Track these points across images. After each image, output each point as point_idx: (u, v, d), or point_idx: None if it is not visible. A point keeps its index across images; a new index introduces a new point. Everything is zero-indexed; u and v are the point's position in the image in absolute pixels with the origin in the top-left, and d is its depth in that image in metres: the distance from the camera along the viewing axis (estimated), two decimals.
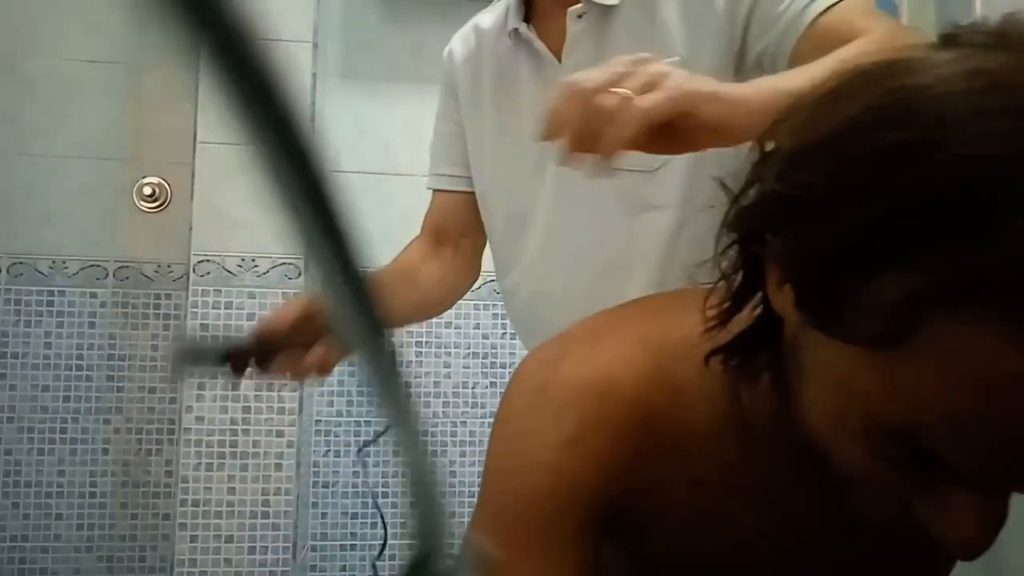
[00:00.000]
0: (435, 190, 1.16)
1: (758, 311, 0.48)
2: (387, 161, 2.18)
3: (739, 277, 0.47)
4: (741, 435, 0.53)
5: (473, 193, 1.06)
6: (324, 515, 2.08)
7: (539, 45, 0.93)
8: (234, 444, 1.73)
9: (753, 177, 0.43)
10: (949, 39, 0.39)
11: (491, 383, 2.15)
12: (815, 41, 0.74)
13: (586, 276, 0.91)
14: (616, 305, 0.61)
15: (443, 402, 2.14)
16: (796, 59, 0.76)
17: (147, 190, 2.05)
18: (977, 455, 0.36)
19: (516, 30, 0.94)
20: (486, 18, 1.03)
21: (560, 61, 0.91)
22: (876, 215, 0.35)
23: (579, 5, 0.89)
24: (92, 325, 2.03)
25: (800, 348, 0.43)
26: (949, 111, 0.34)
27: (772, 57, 0.80)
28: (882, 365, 0.37)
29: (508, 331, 2.18)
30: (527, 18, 0.95)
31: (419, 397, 2.14)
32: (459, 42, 1.07)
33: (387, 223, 2.18)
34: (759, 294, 0.47)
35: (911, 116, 0.35)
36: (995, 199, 0.32)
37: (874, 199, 0.35)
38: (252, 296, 1.78)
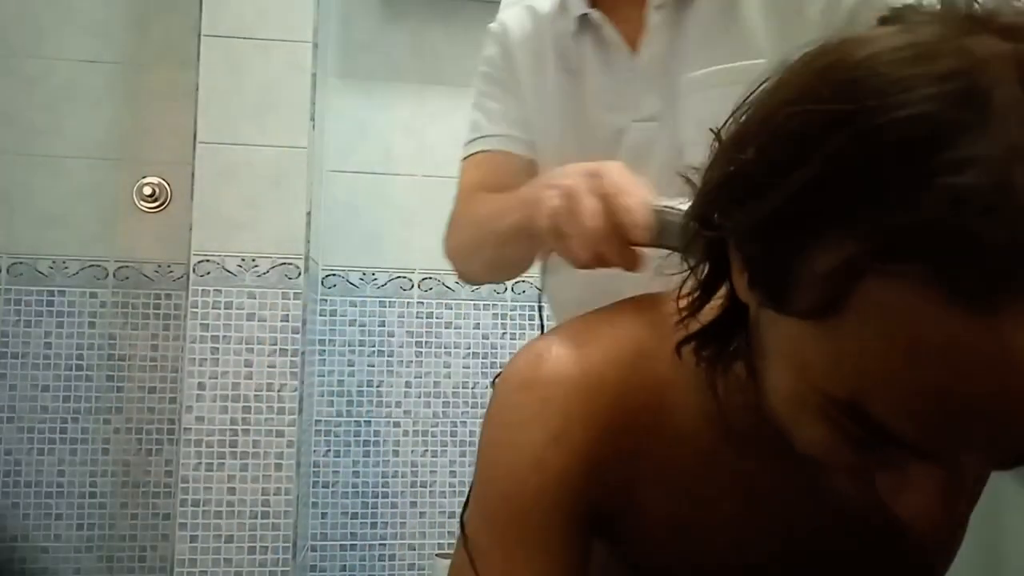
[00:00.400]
0: (490, 152, 1.02)
1: (725, 301, 0.48)
2: (387, 161, 2.18)
3: (704, 267, 0.48)
4: (725, 431, 0.53)
5: (530, 159, 0.99)
6: (324, 515, 2.08)
7: (611, 33, 0.89)
8: (234, 444, 1.73)
9: (707, 165, 0.45)
10: (891, 19, 0.39)
11: (491, 383, 2.15)
12: None
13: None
14: (604, 305, 0.61)
15: (443, 402, 2.14)
16: None
17: (147, 190, 2.05)
18: (919, 422, 0.36)
19: (585, 15, 0.90)
20: (539, 2, 0.98)
21: (635, 51, 0.88)
22: (804, 185, 0.36)
23: None
24: (92, 325, 2.03)
25: (760, 330, 0.44)
26: (875, 81, 0.35)
27: None
28: (824, 336, 0.37)
29: (508, 331, 2.18)
30: (593, 3, 0.91)
31: (419, 397, 2.14)
32: (513, 21, 1.00)
33: (387, 223, 2.18)
34: (726, 284, 0.47)
35: (839, 87, 0.36)
36: (918, 160, 0.33)
37: (801, 169, 0.36)
38: (252, 296, 1.78)
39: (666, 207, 0.60)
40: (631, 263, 0.63)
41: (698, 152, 0.87)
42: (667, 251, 0.55)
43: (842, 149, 0.34)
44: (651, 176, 0.86)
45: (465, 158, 1.05)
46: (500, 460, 0.54)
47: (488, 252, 0.91)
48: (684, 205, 0.52)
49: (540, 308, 0.98)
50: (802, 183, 0.36)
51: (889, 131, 0.33)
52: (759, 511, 0.54)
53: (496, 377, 0.85)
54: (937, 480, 0.38)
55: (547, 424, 0.53)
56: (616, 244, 0.62)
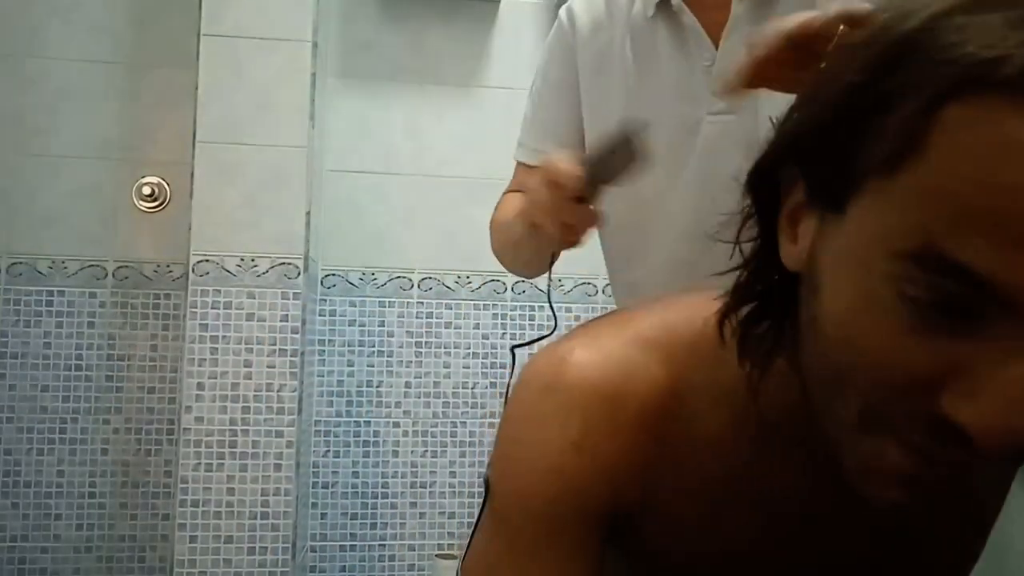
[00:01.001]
0: (531, 167, 0.99)
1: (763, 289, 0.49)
2: (387, 161, 2.18)
3: (752, 248, 0.49)
4: (751, 437, 0.53)
5: None
6: (324, 515, 2.08)
7: (692, 21, 0.88)
8: (234, 444, 1.73)
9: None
10: None
11: (491, 383, 2.15)
12: None
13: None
14: (626, 306, 0.61)
15: (443, 402, 2.14)
16: None
17: (147, 190, 2.05)
18: (1007, 250, 0.34)
19: (667, 2, 0.89)
20: None
21: (714, 41, 0.87)
22: (874, 54, 0.39)
23: None
24: (92, 325, 2.03)
25: (816, 266, 0.43)
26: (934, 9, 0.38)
27: None
28: (900, 185, 0.37)
29: (508, 331, 2.18)
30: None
31: (419, 397, 2.14)
32: (582, 8, 0.98)
33: (387, 223, 2.18)
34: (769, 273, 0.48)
35: (897, 19, 0.39)
36: (969, 12, 0.36)
37: (870, 47, 0.40)
38: (252, 296, 1.77)
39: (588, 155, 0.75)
40: (588, 219, 0.76)
41: None
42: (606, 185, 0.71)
43: (902, 34, 0.38)
44: (725, 172, 0.85)
45: (517, 163, 1.10)
46: (519, 464, 0.54)
47: (511, 254, 1.01)
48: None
49: (551, 303, 0.97)
50: (875, 50, 0.39)
51: (945, 13, 0.37)
52: (782, 520, 0.54)
53: (515, 347, 0.88)
54: (1012, 376, 0.36)
55: (567, 430, 0.52)
56: (565, 205, 0.75)
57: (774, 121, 0.47)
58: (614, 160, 0.71)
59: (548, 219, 0.77)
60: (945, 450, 0.38)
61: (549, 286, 0.92)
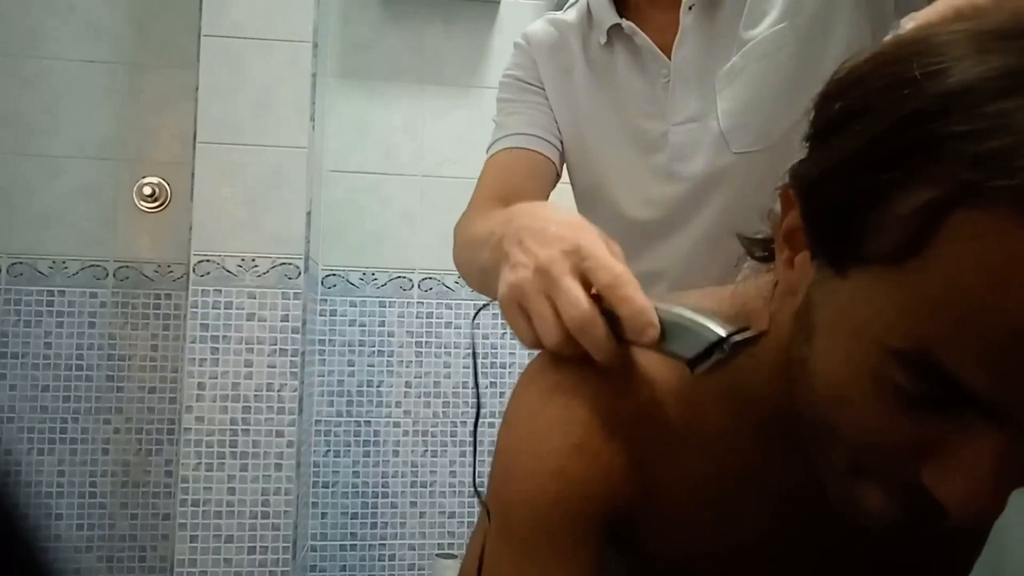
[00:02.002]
0: (513, 149, 0.97)
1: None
2: (387, 161, 2.18)
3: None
4: (753, 436, 0.53)
5: (552, 163, 0.97)
6: (324, 515, 2.08)
7: (644, 41, 0.90)
8: (234, 444, 1.73)
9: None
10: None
11: (491, 383, 2.15)
12: None
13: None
14: None
15: (443, 402, 2.14)
16: None
17: (147, 190, 2.05)
18: (994, 367, 0.35)
19: (617, 26, 0.91)
20: (566, 14, 0.99)
21: (668, 56, 0.89)
22: (888, 131, 0.37)
23: None
24: (92, 325, 2.03)
25: (811, 311, 0.43)
26: (963, 45, 0.37)
27: None
28: (898, 282, 0.37)
29: (508, 331, 2.18)
30: (620, 13, 0.92)
31: (419, 397, 2.14)
32: (539, 31, 1.00)
33: (387, 223, 2.19)
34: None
35: (921, 55, 0.37)
36: (1011, 95, 0.34)
37: (884, 118, 0.37)
38: (252, 296, 1.77)
39: (674, 311, 0.52)
40: (607, 356, 0.53)
41: (742, 136, 0.86)
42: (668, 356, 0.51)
43: (924, 100, 0.36)
44: (697, 172, 0.87)
45: (486, 161, 1.00)
46: (520, 467, 0.54)
47: (474, 278, 0.85)
48: (689, 313, 0.49)
49: (473, 347, 0.96)
50: (885, 130, 0.37)
51: (970, 83, 0.35)
52: (785, 518, 0.54)
53: (478, 311, 0.83)
54: (987, 463, 0.37)
55: (568, 433, 0.52)
56: (598, 336, 0.52)
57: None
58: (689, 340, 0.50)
59: (553, 330, 0.54)
60: (924, 502, 0.40)
61: (473, 326, 0.82)
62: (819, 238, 0.42)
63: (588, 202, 0.99)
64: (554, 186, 0.99)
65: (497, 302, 0.60)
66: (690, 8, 0.88)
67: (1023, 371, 0.35)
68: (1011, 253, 0.33)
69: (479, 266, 0.76)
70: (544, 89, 0.98)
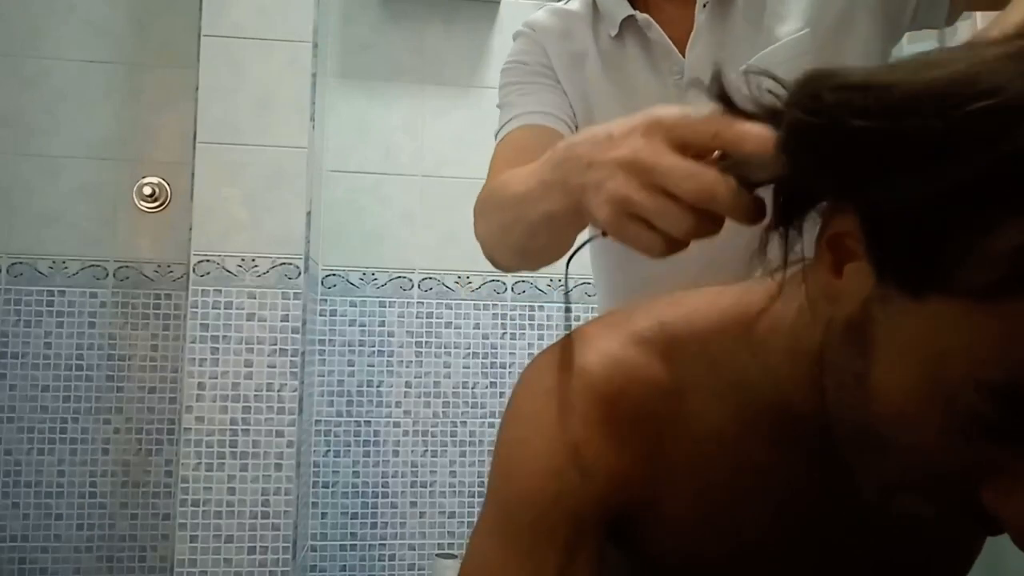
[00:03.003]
0: (529, 126, 0.91)
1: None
2: (387, 161, 2.18)
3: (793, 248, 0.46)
4: (753, 433, 0.53)
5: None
6: (324, 515, 2.08)
7: (659, 35, 0.88)
8: (234, 444, 1.73)
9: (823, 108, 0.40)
10: None
11: (491, 383, 2.15)
12: None
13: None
14: (627, 304, 0.61)
15: (443, 402, 2.14)
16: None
17: (147, 190, 2.05)
18: None
19: (631, 18, 0.89)
20: (568, 5, 0.96)
21: (681, 53, 0.87)
22: (992, 163, 0.35)
23: None
24: (92, 325, 2.03)
25: (871, 326, 0.42)
26: None
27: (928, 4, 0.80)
28: (993, 317, 0.36)
29: (508, 331, 2.18)
30: (634, 5, 0.90)
31: (419, 397, 2.14)
32: (545, 19, 0.97)
33: (387, 223, 2.19)
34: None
35: (991, 82, 0.35)
36: None
37: (987, 148, 0.35)
38: (252, 296, 1.77)
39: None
40: (748, 208, 0.46)
41: None
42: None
43: None
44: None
45: (498, 143, 0.95)
46: (519, 464, 0.54)
47: (517, 240, 0.77)
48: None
49: (567, 293, 0.92)
50: (994, 162, 0.35)
51: None
52: (787, 516, 0.54)
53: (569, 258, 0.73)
54: None
55: (567, 432, 0.52)
56: (731, 191, 0.45)
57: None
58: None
59: (677, 220, 0.47)
60: (973, 519, 0.41)
61: (568, 271, 0.64)
62: (891, 256, 0.40)
63: None
64: None
65: (592, 240, 0.56)
66: (704, 5, 0.86)
67: None
68: None
69: (529, 223, 0.69)
70: (555, 72, 0.94)
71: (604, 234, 0.54)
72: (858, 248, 0.42)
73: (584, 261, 1.15)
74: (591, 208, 0.52)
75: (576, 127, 0.92)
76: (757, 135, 0.44)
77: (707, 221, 0.46)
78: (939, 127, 0.36)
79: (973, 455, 0.40)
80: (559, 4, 0.98)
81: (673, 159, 0.47)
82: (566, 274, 0.59)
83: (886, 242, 0.40)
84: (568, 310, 0.59)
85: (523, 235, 0.74)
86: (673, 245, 0.48)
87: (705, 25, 0.87)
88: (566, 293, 0.62)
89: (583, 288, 2.21)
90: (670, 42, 0.88)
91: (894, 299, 0.40)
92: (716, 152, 0.47)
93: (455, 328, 2.16)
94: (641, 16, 0.89)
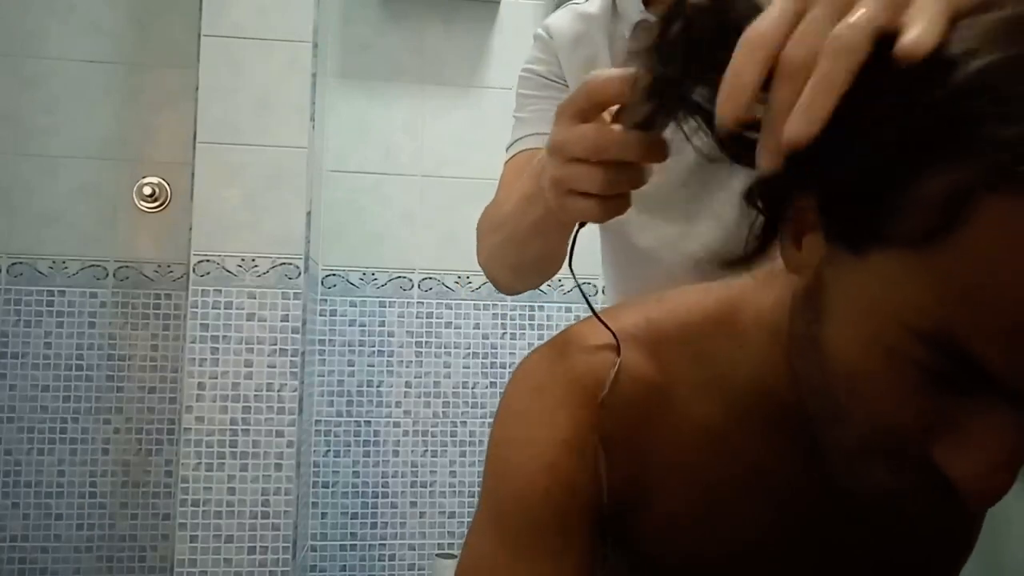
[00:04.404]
0: (533, 150, 0.94)
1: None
2: (387, 161, 2.18)
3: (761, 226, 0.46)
4: (742, 426, 0.53)
5: None
6: (324, 515, 2.08)
7: None
8: (234, 444, 1.74)
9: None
10: None
11: (491, 383, 2.15)
12: None
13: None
14: (617, 303, 0.61)
15: (443, 402, 2.14)
16: None
17: (147, 190, 2.05)
18: (1020, 346, 0.35)
19: (645, 20, 0.90)
20: (588, 5, 0.96)
21: None
22: (918, 112, 0.36)
23: None
24: (92, 325, 2.03)
25: (823, 290, 0.43)
26: (991, 33, 0.36)
27: None
28: (924, 264, 0.36)
29: (508, 331, 2.18)
30: (649, 6, 0.90)
31: (419, 397, 2.14)
32: (562, 23, 0.97)
33: (387, 223, 2.19)
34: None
35: (956, 39, 0.36)
36: None
37: (914, 99, 0.36)
38: (252, 296, 1.78)
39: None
40: (654, 151, 0.50)
41: None
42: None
43: (964, 75, 0.35)
44: (720, 178, 0.85)
45: (505, 163, 0.98)
46: (510, 462, 0.54)
47: (513, 255, 0.82)
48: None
49: (582, 290, 0.92)
50: (919, 105, 0.36)
51: (1015, 61, 0.34)
52: (780, 509, 0.54)
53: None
54: (999, 441, 0.37)
55: (557, 428, 0.53)
56: (615, 135, 0.50)
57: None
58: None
59: (579, 167, 0.52)
60: (932, 482, 0.40)
61: (571, 262, 0.64)
62: (835, 218, 0.41)
63: None
64: None
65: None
66: None
67: None
68: None
69: (519, 237, 0.76)
70: (567, 86, 0.96)
71: (581, 225, 0.60)
72: (814, 218, 0.43)
73: (586, 262, 1.15)
74: (548, 202, 0.56)
75: None
76: (610, 76, 0.49)
77: (623, 170, 0.51)
78: (867, 82, 0.37)
79: (923, 413, 0.39)
80: (578, 5, 0.98)
81: (569, 130, 0.51)
82: (572, 272, 0.61)
83: (830, 202, 0.41)
84: (590, 307, 0.60)
85: (516, 250, 0.79)
86: (609, 205, 0.53)
87: None
88: (581, 291, 0.64)
89: (583, 288, 2.21)
90: None
91: (841, 260, 0.41)
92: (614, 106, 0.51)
93: (455, 328, 2.16)
94: (652, 17, 0.89)
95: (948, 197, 0.35)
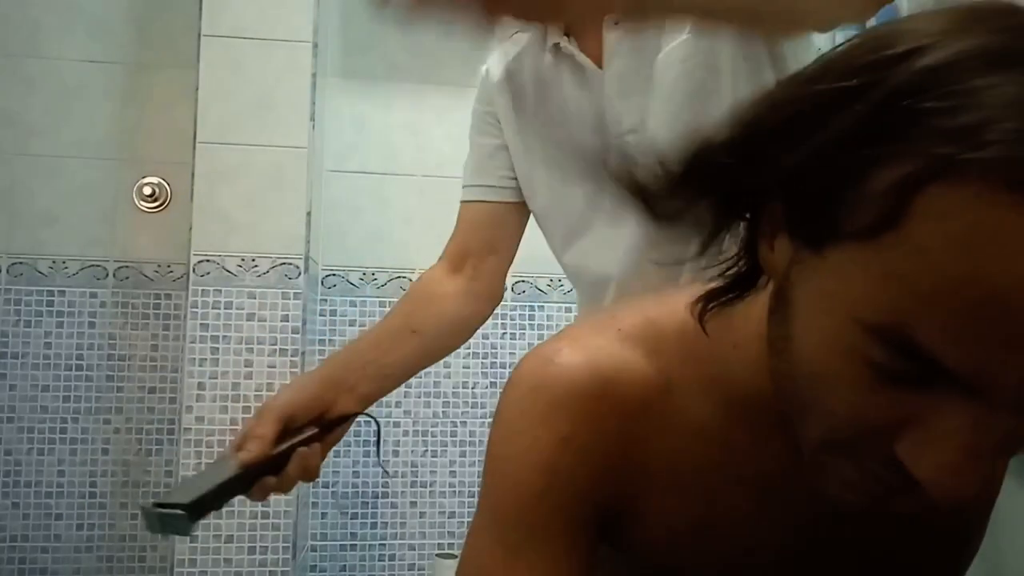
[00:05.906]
0: (469, 202, 1.11)
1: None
2: (387, 161, 2.18)
3: (734, 232, 0.48)
4: (741, 426, 0.53)
5: (511, 204, 1.05)
6: (324, 515, 2.08)
7: (581, 57, 0.93)
8: None
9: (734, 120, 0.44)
10: None
11: (491, 383, 2.15)
12: None
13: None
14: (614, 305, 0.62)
15: (443, 402, 2.14)
16: None
17: (147, 190, 2.05)
18: (968, 343, 0.35)
19: (557, 44, 0.95)
20: (522, 36, 1.03)
21: (601, 69, 0.92)
22: (866, 109, 0.37)
23: (615, 13, 0.89)
24: (92, 325, 2.03)
25: (789, 290, 0.43)
26: (935, 29, 0.38)
27: None
28: (875, 258, 0.37)
29: (508, 331, 2.18)
30: (566, 32, 0.95)
31: (419, 397, 2.14)
32: (496, 61, 1.06)
33: (387, 223, 2.19)
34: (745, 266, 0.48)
35: (902, 35, 0.38)
36: (971, 75, 0.35)
37: (862, 96, 0.37)
38: (252, 296, 1.78)
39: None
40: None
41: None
42: None
43: (900, 79, 0.36)
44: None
45: (460, 206, 1.13)
46: (508, 462, 0.54)
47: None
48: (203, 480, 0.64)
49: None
50: (866, 102, 0.37)
51: (945, 63, 0.36)
52: (772, 506, 0.55)
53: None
54: (962, 436, 0.37)
55: (556, 427, 0.53)
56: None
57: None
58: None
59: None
60: (898, 480, 0.40)
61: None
62: (797, 218, 0.42)
63: (542, 222, 1.04)
64: (525, 217, 1.07)
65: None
66: (616, 23, 0.90)
67: (996, 344, 0.35)
68: (980, 227, 0.34)
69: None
70: (499, 122, 1.04)
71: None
72: (781, 219, 0.44)
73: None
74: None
75: (515, 179, 1.05)
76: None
77: None
78: (823, 88, 0.39)
79: (884, 410, 0.39)
80: (513, 36, 1.04)
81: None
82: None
83: (793, 202, 0.42)
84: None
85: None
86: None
87: (617, 42, 0.91)
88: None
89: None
90: (590, 62, 0.93)
91: (805, 259, 0.42)
92: None
93: None
94: (563, 41, 0.94)
95: (893, 190, 0.36)
